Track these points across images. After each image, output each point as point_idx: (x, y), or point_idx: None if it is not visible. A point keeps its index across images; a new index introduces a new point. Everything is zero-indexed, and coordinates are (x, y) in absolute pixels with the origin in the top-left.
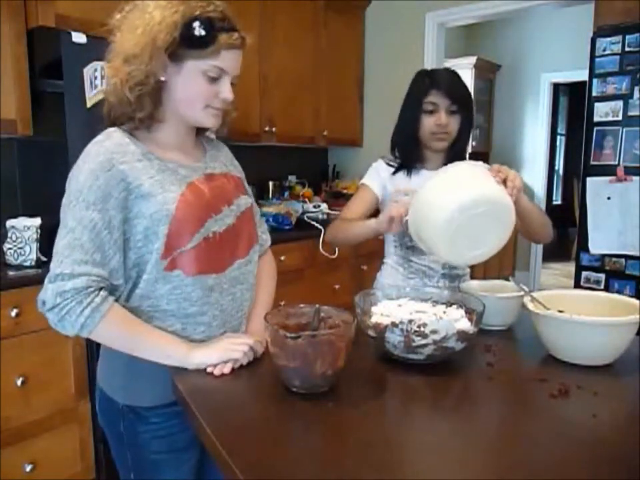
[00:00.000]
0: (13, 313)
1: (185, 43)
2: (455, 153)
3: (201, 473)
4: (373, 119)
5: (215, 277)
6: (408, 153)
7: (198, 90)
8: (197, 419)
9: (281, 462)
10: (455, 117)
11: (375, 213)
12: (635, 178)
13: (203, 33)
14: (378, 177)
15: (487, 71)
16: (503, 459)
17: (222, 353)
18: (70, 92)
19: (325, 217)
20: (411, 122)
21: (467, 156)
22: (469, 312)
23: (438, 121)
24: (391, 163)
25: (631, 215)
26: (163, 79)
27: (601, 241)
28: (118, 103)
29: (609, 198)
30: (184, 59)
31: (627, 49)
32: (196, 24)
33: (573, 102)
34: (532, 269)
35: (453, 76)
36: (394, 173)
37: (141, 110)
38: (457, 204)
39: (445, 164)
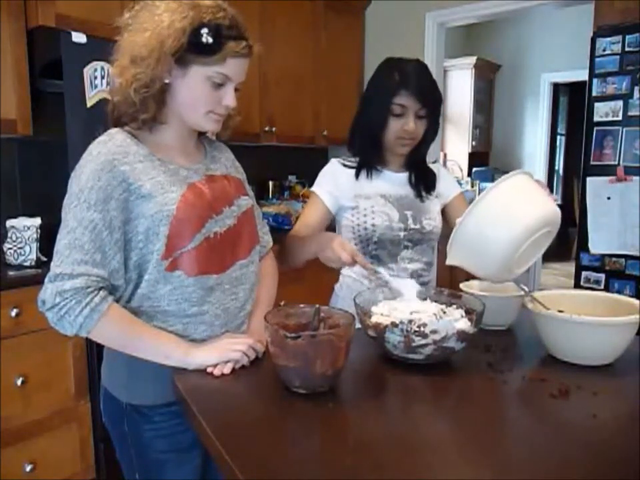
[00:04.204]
0: (13, 313)
1: (192, 49)
2: (417, 156)
3: (206, 473)
4: None
5: (216, 277)
6: (370, 155)
7: (201, 95)
8: (197, 419)
9: (281, 462)
10: (422, 121)
11: (331, 223)
12: (635, 178)
13: (210, 40)
14: (331, 184)
15: (487, 71)
16: (502, 459)
17: (222, 353)
18: (70, 92)
19: None
20: (377, 124)
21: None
22: (469, 312)
23: (406, 126)
24: (348, 164)
25: (631, 215)
26: (167, 81)
27: (601, 241)
28: (122, 103)
29: (608, 198)
30: (189, 64)
31: (627, 48)
32: (204, 31)
33: (573, 102)
34: (532, 269)
35: (425, 73)
36: (356, 175)
37: (144, 111)
38: (524, 228)
39: (405, 165)
